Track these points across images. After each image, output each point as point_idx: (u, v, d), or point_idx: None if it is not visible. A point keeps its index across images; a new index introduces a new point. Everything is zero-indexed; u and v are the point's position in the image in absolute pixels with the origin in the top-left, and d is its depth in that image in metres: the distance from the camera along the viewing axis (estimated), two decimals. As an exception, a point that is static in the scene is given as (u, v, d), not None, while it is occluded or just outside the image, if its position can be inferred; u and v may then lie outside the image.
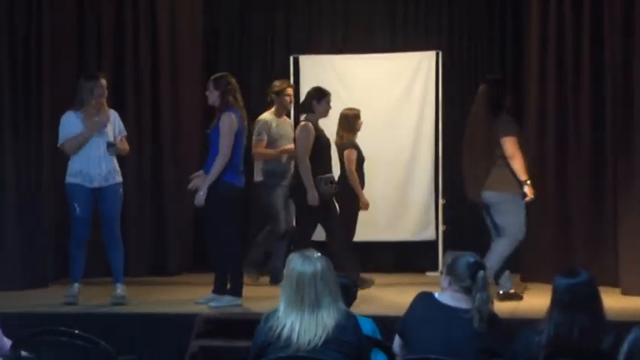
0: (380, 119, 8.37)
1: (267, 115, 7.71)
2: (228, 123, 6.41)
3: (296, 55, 8.75)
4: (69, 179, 6.64)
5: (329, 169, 7.30)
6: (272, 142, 7.63)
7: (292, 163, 7.56)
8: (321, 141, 7.21)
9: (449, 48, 8.81)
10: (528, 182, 6.71)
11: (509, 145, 6.67)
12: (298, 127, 7.26)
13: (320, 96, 7.30)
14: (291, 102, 7.80)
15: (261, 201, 7.75)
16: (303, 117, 7.31)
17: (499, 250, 6.74)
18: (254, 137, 7.57)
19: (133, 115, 8.52)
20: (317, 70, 8.73)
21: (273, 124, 7.65)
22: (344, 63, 8.74)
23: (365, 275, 7.39)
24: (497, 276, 6.68)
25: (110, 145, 6.64)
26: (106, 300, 6.65)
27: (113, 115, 6.78)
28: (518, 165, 6.69)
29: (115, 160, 6.74)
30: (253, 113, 7.65)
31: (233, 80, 6.58)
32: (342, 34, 9.10)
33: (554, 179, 7.56)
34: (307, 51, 8.90)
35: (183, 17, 8.88)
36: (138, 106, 8.55)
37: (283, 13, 9.18)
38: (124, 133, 6.86)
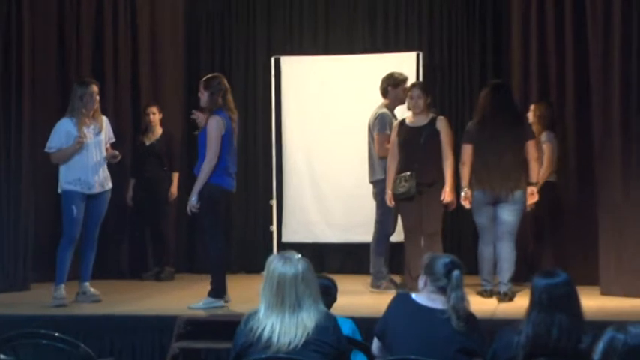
0: (361, 120, 8.35)
1: (384, 109, 7.35)
2: (215, 126, 6.33)
3: (277, 57, 8.75)
4: (66, 187, 6.65)
5: (408, 167, 6.90)
6: None
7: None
8: (403, 137, 6.95)
9: (429, 49, 8.84)
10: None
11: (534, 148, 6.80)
12: None
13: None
14: (406, 97, 7.28)
15: (381, 199, 7.29)
16: None
17: (513, 256, 6.73)
18: (376, 132, 7.26)
19: (113, 120, 8.48)
20: (298, 71, 8.72)
21: (392, 118, 7.34)
22: (325, 64, 8.74)
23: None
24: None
25: (113, 157, 6.78)
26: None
27: (105, 121, 6.85)
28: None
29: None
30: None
31: (224, 81, 6.48)
32: (323, 36, 9.10)
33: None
34: (288, 52, 8.90)
35: (164, 20, 8.87)
36: (118, 111, 8.52)
37: (264, 14, 9.17)
38: (113, 139, 6.91)
